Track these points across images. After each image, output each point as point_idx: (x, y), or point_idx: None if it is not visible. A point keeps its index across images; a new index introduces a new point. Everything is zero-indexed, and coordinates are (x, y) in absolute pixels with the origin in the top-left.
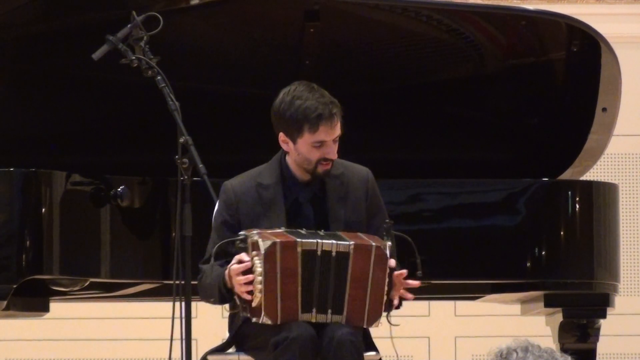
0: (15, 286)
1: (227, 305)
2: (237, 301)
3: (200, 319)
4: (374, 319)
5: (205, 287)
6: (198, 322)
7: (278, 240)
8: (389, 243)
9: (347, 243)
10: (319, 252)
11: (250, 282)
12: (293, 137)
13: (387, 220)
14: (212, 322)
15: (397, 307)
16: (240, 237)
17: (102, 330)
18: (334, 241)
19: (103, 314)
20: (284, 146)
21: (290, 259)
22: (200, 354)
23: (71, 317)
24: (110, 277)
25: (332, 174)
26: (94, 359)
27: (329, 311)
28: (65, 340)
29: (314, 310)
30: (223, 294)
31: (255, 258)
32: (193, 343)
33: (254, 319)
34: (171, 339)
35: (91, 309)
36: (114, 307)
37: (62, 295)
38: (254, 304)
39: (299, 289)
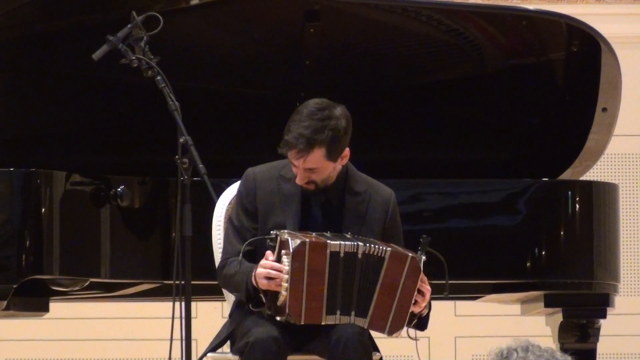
0: (15, 286)
1: (226, 305)
2: (263, 299)
3: (200, 319)
4: (396, 328)
5: (231, 279)
6: (198, 322)
7: (308, 240)
8: (423, 257)
9: (384, 248)
10: (342, 254)
11: (271, 278)
12: None
13: (424, 236)
14: (212, 322)
15: (421, 328)
16: (272, 235)
17: (102, 330)
18: (370, 245)
19: (103, 314)
20: None
21: (319, 259)
22: (200, 354)
23: (71, 317)
24: (110, 277)
25: (355, 190)
26: (94, 359)
27: (353, 313)
28: (65, 340)
29: (338, 312)
30: (250, 291)
31: (284, 257)
32: (193, 343)
33: (277, 317)
34: (171, 339)
35: (91, 309)
36: (114, 307)
37: (62, 295)
38: (279, 303)
39: (325, 290)
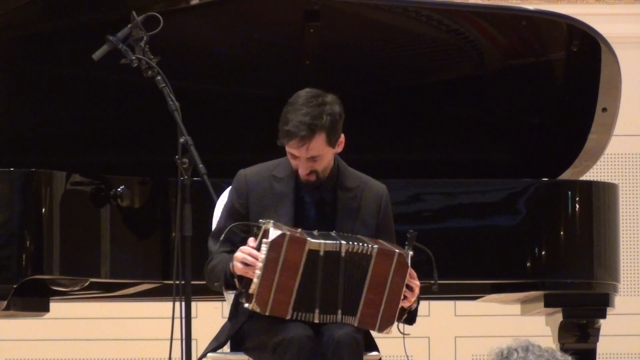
0: (15, 286)
1: (226, 305)
2: (237, 284)
3: (200, 319)
4: (386, 325)
5: (213, 270)
6: (198, 322)
7: (288, 233)
8: (410, 252)
9: (370, 246)
10: (321, 253)
11: (247, 264)
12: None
13: (411, 231)
14: (212, 322)
15: (410, 322)
16: (259, 224)
17: (102, 330)
18: (354, 243)
19: (103, 314)
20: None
21: (295, 254)
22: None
23: (71, 317)
24: (110, 277)
25: (347, 186)
26: (94, 359)
27: (339, 311)
28: (65, 340)
29: (317, 310)
30: (228, 278)
31: (263, 245)
32: (193, 343)
33: (245, 304)
34: (171, 339)
35: (91, 309)
36: (114, 307)
37: (62, 295)
38: (250, 290)
39: (296, 285)
